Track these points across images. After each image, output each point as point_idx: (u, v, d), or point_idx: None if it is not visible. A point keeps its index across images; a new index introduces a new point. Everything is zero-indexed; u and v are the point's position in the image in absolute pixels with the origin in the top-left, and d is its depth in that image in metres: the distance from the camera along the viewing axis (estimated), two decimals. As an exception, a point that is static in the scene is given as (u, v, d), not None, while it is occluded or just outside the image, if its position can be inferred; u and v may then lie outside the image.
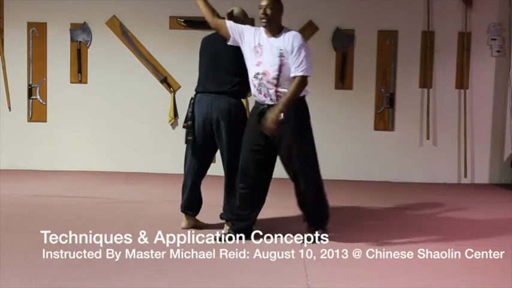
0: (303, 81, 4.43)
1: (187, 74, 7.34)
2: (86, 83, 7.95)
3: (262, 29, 4.56)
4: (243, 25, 4.67)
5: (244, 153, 4.60)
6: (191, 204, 4.87)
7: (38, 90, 7.96)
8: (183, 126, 4.81)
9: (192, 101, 4.79)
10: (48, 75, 7.97)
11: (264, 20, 4.48)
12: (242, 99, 4.85)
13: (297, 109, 4.48)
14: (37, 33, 7.91)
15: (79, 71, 7.89)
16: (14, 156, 7.93)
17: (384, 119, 7.88)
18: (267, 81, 4.48)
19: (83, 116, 7.96)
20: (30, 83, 7.96)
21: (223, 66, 4.70)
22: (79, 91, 7.96)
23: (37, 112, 7.99)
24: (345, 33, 7.79)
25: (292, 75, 4.43)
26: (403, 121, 7.88)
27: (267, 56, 4.48)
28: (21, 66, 7.95)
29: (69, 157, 7.97)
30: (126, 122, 7.96)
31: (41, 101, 7.97)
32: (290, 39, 4.46)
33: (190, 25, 7.77)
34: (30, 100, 7.97)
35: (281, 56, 4.44)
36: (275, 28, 4.51)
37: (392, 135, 7.92)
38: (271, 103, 4.48)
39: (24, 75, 7.96)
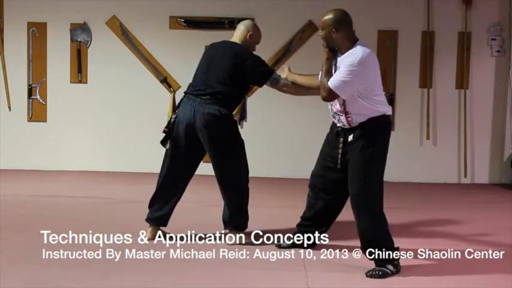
0: (326, 91, 3.87)
1: (187, 74, 7.30)
2: (86, 83, 7.94)
3: None
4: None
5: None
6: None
7: (38, 90, 7.96)
8: (163, 131, 4.43)
9: (179, 103, 4.49)
10: (48, 75, 7.96)
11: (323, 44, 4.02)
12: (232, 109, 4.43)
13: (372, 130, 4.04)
14: (37, 33, 7.90)
15: (79, 71, 7.88)
16: (14, 156, 7.93)
17: (384, 119, 7.86)
18: (336, 110, 3.99)
19: (83, 116, 7.96)
20: (30, 83, 7.96)
21: (215, 73, 4.36)
22: (79, 91, 7.96)
23: (37, 112, 7.99)
24: (345, 33, 7.78)
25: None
26: (403, 121, 7.87)
27: None
28: (21, 66, 7.94)
29: (69, 157, 7.96)
30: (126, 122, 7.96)
31: (41, 101, 7.96)
32: (347, 57, 3.86)
33: (190, 25, 7.77)
34: (30, 100, 7.97)
35: None
36: (342, 47, 3.96)
37: (392, 135, 7.82)
38: (347, 127, 4.00)
39: (24, 75, 7.95)
